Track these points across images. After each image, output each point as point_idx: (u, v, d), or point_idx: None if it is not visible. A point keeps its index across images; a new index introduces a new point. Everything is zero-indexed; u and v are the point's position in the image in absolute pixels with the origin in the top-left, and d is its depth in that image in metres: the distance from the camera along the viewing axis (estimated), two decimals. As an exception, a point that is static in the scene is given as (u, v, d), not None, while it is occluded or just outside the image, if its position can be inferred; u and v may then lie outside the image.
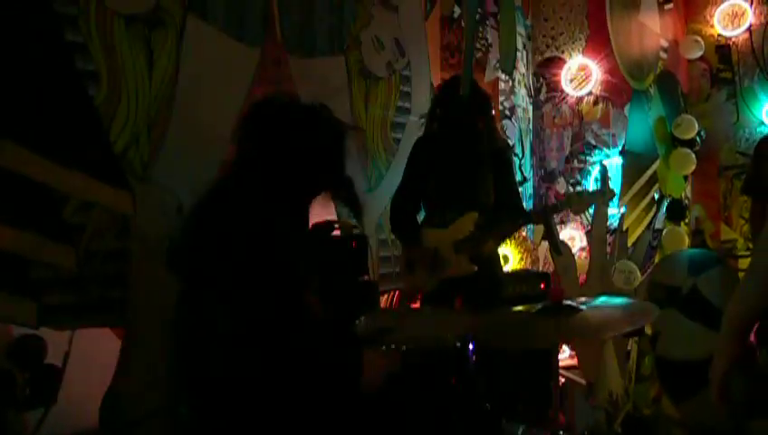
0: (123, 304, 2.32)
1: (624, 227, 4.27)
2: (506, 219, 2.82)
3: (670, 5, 5.01)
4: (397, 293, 3.46)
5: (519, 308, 1.96)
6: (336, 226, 2.68)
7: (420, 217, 3.06)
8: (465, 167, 2.85)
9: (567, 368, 3.48)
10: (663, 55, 4.94)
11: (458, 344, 1.87)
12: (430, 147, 2.95)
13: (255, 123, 1.94)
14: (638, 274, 4.05)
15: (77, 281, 2.19)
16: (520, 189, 3.32)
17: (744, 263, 4.39)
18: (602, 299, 1.94)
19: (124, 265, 2.33)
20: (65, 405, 2.14)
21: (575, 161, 4.79)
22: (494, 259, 2.98)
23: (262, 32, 2.91)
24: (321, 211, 2.57)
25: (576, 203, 2.73)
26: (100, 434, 2.23)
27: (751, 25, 4.88)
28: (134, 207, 2.30)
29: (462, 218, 2.76)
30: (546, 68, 4.90)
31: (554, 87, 4.85)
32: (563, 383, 3.31)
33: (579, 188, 4.44)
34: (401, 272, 2.98)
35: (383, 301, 3.35)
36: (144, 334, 2.32)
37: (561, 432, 2.05)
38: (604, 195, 2.81)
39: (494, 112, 3.06)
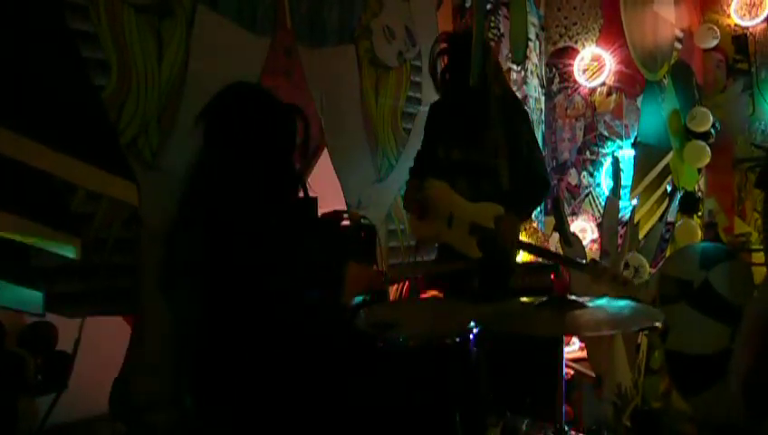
0: (132, 292, 2.34)
1: (635, 220, 4.23)
2: (526, 208, 2.81)
3: (686, -5, 4.93)
4: (406, 284, 3.46)
5: (524, 299, 1.95)
6: (345, 216, 2.68)
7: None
8: (475, 131, 2.77)
9: (575, 360, 3.46)
10: (678, 46, 4.87)
11: (458, 340, 1.85)
12: (442, 111, 2.90)
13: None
14: (648, 267, 4.01)
15: (85, 269, 2.21)
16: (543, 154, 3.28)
17: (757, 257, 4.33)
18: (602, 301, 1.87)
19: (132, 255, 2.35)
20: (76, 391, 2.16)
21: (587, 153, 4.75)
22: (510, 252, 2.91)
23: (272, 21, 2.90)
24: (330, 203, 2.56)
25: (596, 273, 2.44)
26: (109, 420, 2.25)
27: (769, 15, 4.78)
28: (139, 198, 2.30)
29: (487, 206, 2.66)
30: (559, 58, 4.86)
31: (567, 77, 4.81)
32: (571, 376, 3.29)
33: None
34: (412, 219, 2.87)
35: (392, 291, 3.35)
36: (153, 323, 2.34)
37: (568, 427, 2.04)
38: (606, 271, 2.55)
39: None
